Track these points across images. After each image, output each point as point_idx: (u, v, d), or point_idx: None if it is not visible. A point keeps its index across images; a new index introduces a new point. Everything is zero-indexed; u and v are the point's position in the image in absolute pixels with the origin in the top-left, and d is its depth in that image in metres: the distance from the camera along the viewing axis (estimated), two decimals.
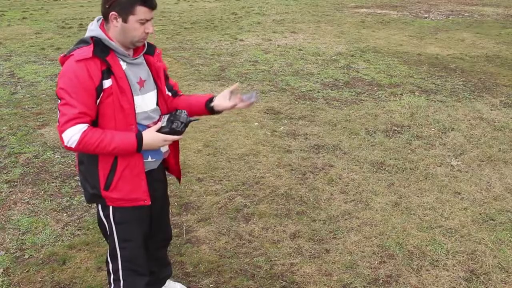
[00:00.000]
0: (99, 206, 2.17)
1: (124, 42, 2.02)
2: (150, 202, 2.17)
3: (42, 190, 3.96)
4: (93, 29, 2.01)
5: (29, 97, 6.23)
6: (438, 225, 3.52)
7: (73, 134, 1.90)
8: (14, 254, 3.17)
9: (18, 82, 6.86)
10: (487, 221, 3.59)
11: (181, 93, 2.38)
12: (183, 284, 2.88)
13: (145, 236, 2.26)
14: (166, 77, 2.30)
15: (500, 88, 6.91)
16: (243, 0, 16.48)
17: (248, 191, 3.97)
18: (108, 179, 2.05)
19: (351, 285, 2.91)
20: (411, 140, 5.00)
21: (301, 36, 10.52)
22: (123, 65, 2.02)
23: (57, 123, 1.94)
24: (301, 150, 4.73)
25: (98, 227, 2.32)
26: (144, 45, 2.12)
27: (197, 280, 2.94)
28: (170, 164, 2.38)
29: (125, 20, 1.97)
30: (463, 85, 6.98)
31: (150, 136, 2.03)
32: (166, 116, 2.13)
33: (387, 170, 4.35)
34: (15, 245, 3.27)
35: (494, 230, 3.47)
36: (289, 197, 3.89)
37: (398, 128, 5.30)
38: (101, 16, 2.05)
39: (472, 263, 3.11)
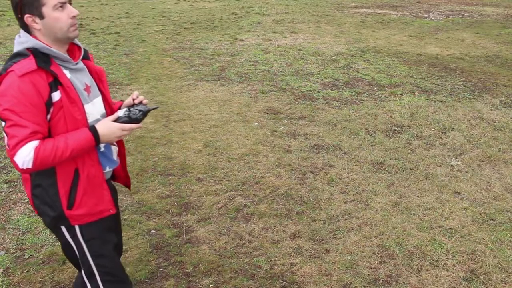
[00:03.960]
0: (63, 229, 2.00)
1: (59, 41, 1.84)
2: (115, 211, 2.08)
3: None
4: (25, 40, 1.80)
5: None
6: (438, 225, 3.53)
7: (26, 154, 1.72)
8: (14, 254, 3.17)
9: None
10: (487, 221, 3.59)
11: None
12: (183, 284, 2.88)
13: (115, 246, 2.15)
14: None
15: (500, 88, 6.91)
16: (243, 0, 16.48)
17: (248, 191, 3.97)
18: (71, 197, 1.91)
19: (351, 285, 2.91)
20: (411, 140, 5.01)
21: (301, 36, 10.52)
22: (67, 73, 1.85)
23: (6, 146, 1.75)
24: (301, 150, 4.73)
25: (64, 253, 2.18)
26: (80, 48, 1.97)
27: (197, 280, 2.94)
28: (117, 171, 2.23)
29: (41, 16, 1.78)
30: (463, 85, 6.98)
31: (106, 127, 1.88)
32: (123, 110, 1.99)
33: (387, 170, 4.35)
34: (15, 245, 3.27)
35: (494, 230, 3.47)
36: (289, 197, 3.89)
37: (398, 128, 5.30)
38: (21, 31, 1.85)
39: (472, 263, 3.11)
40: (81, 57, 1.96)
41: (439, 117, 5.61)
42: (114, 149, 2.12)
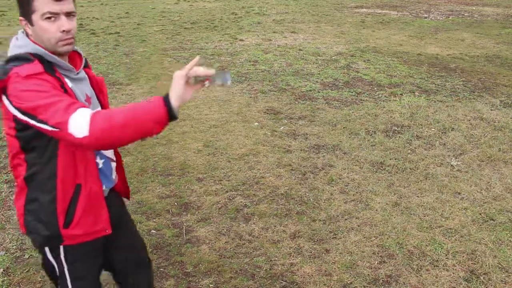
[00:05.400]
0: (46, 248, 1.84)
1: (52, 51, 1.66)
2: (111, 231, 1.89)
3: None
4: (25, 44, 1.64)
5: None
6: (438, 225, 3.53)
7: (81, 118, 1.46)
8: (14, 254, 3.17)
9: None
10: (487, 221, 3.59)
11: None
12: (183, 284, 2.88)
13: (100, 268, 1.98)
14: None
15: (500, 88, 6.91)
16: (243, 0, 16.48)
17: (248, 191, 3.97)
18: (68, 214, 1.74)
19: (351, 285, 2.91)
20: (411, 140, 5.01)
21: (301, 36, 10.52)
22: (68, 82, 1.69)
23: (52, 129, 1.52)
24: (301, 150, 4.73)
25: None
26: (81, 57, 1.83)
27: (197, 280, 2.94)
28: (117, 186, 2.07)
29: (31, 23, 1.63)
30: (463, 85, 6.98)
31: (175, 86, 1.57)
32: None
33: (387, 170, 4.35)
34: (15, 245, 3.26)
35: (494, 230, 3.47)
36: (289, 197, 3.89)
37: (398, 128, 5.30)
38: (19, 34, 1.72)
39: (472, 263, 3.11)
40: (82, 66, 1.83)
41: (439, 117, 5.61)
42: (114, 165, 1.97)
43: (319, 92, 6.55)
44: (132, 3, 15.85)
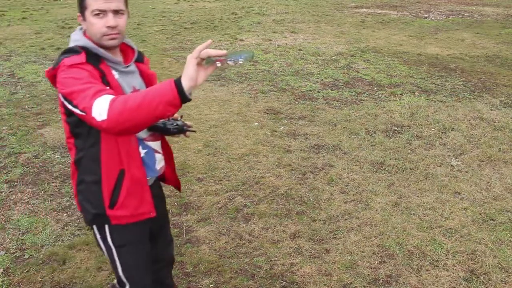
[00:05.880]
0: (95, 228, 1.98)
1: (100, 45, 1.81)
2: (155, 214, 2.01)
3: (42, 190, 3.96)
4: (77, 38, 1.82)
5: (29, 97, 6.23)
6: (438, 225, 3.53)
7: (101, 104, 1.55)
8: (14, 254, 3.17)
9: (18, 82, 6.86)
10: (487, 221, 3.59)
11: None
12: (183, 284, 2.88)
13: (148, 257, 2.10)
14: None
15: (500, 88, 6.91)
16: (243, 0, 16.48)
17: (248, 191, 3.97)
18: (113, 196, 1.88)
19: (351, 285, 2.91)
20: (411, 140, 5.01)
21: (301, 36, 10.52)
22: (115, 74, 1.83)
23: (81, 113, 1.63)
24: (301, 150, 4.73)
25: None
26: (133, 50, 1.97)
27: (197, 280, 2.94)
28: (167, 174, 2.20)
29: (85, 18, 1.81)
30: (463, 85, 6.99)
31: (186, 67, 1.60)
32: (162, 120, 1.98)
33: (387, 170, 4.35)
34: (15, 245, 3.27)
35: (494, 230, 3.47)
36: (289, 197, 3.89)
37: (398, 128, 5.30)
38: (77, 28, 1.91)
39: (472, 263, 3.11)
40: (133, 59, 1.94)
41: (439, 117, 5.61)
42: (159, 157, 2.06)
43: (319, 92, 6.55)
44: (132, 3, 15.85)
